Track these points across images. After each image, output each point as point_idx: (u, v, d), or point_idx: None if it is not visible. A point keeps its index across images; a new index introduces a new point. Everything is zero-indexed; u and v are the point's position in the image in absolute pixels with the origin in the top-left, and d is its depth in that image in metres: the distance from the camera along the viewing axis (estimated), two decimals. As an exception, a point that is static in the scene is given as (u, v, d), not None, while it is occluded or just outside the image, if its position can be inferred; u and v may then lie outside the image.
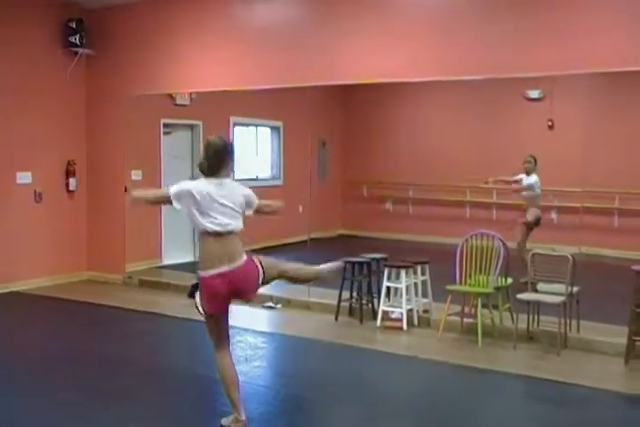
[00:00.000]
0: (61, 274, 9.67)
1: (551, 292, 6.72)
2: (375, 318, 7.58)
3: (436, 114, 13.32)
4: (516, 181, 9.40)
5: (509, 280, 7.36)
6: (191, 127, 11.00)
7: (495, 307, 7.14)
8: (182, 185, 4.65)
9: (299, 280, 5.19)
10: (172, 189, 4.64)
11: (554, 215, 10.81)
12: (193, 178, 4.95)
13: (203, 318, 4.75)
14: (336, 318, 7.78)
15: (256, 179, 12.27)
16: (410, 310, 7.49)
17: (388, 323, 7.50)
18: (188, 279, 9.13)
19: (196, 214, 4.54)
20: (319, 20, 8.14)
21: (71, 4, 9.47)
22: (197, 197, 4.53)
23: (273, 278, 4.87)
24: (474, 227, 7.82)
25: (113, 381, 5.75)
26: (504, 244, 7.17)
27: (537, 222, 9.25)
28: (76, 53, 9.55)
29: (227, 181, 4.66)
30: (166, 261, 10.76)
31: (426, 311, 7.72)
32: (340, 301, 7.75)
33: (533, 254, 6.93)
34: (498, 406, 5.52)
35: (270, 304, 8.41)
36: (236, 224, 4.60)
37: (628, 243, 10.57)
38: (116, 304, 8.50)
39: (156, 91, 9.53)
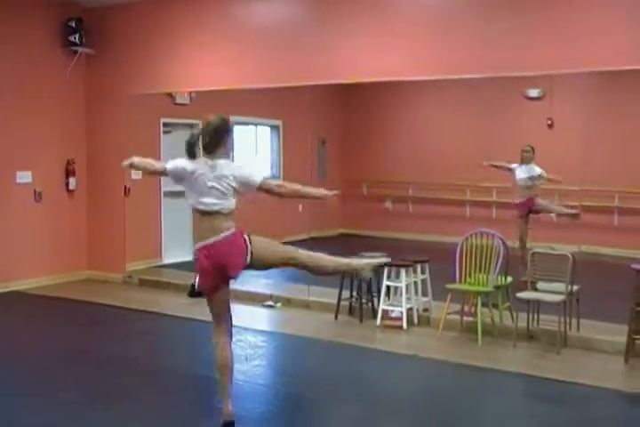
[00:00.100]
0: (61, 273, 9.67)
1: (551, 290, 6.71)
2: (375, 316, 7.58)
3: (435, 113, 13.30)
4: (510, 169, 9.44)
5: (509, 279, 7.36)
6: (191, 126, 10.95)
7: (495, 306, 7.14)
8: (178, 163, 4.71)
9: (314, 271, 4.78)
10: (169, 166, 4.73)
11: (553, 214, 10.79)
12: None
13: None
14: (336, 317, 7.79)
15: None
16: (410, 309, 7.49)
17: (388, 322, 7.49)
18: (189, 278, 9.14)
19: (187, 193, 4.69)
20: (318, 20, 8.14)
21: (71, 4, 9.46)
22: (190, 177, 4.62)
23: (273, 264, 4.70)
24: (474, 226, 7.81)
25: (113, 380, 5.75)
26: (504, 242, 7.17)
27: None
28: (76, 53, 9.54)
29: (220, 162, 4.64)
30: (166, 261, 10.76)
31: (426, 310, 7.72)
32: (339, 299, 7.75)
33: (533, 253, 6.93)
34: (498, 404, 5.53)
35: (270, 303, 8.41)
36: (223, 205, 4.59)
37: (628, 241, 10.55)
38: (116, 303, 8.49)
39: (156, 90, 9.53)
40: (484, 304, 7.02)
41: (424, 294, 7.76)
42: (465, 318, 7.16)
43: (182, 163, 4.70)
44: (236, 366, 5.98)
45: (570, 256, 6.65)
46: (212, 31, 8.77)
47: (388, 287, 7.58)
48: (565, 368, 6.15)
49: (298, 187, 4.79)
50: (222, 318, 4.75)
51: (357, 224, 13.78)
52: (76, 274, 9.88)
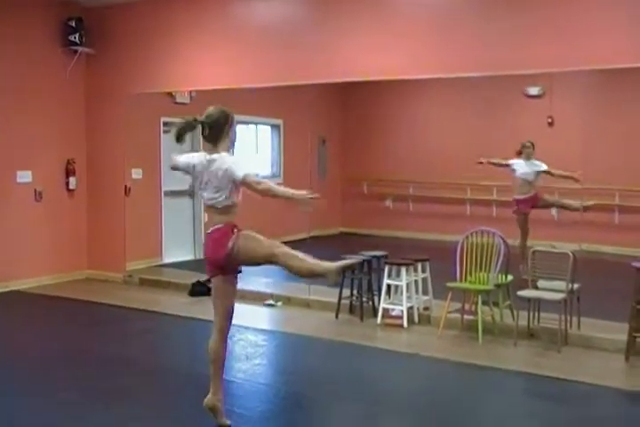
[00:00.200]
0: (62, 273, 9.67)
1: (551, 289, 6.72)
2: (375, 315, 7.58)
3: (435, 111, 13.31)
4: (508, 165, 9.46)
5: (510, 277, 7.36)
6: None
7: (495, 304, 7.14)
8: (184, 158, 4.81)
9: (292, 271, 4.58)
10: (178, 161, 4.83)
11: (554, 212, 10.80)
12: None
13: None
14: (336, 316, 7.79)
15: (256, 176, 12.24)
16: (410, 308, 7.49)
17: (389, 320, 7.49)
18: (189, 278, 9.18)
19: (195, 186, 4.89)
20: (318, 19, 8.13)
21: (71, 3, 9.46)
22: (193, 172, 4.72)
23: (257, 260, 4.60)
24: (474, 224, 7.82)
25: (113, 380, 5.74)
26: (504, 241, 7.17)
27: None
28: (76, 52, 9.53)
29: (214, 156, 4.63)
30: (167, 260, 10.77)
31: (426, 309, 7.72)
32: (340, 298, 7.75)
33: (534, 251, 6.93)
34: (498, 403, 5.53)
35: (270, 302, 8.42)
36: (217, 199, 4.59)
37: (629, 240, 10.56)
38: (117, 303, 8.49)
39: (156, 89, 9.53)
40: (484, 303, 7.02)
41: (425, 292, 7.76)
42: (465, 317, 7.15)
43: (187, 157, 4.77)
44: (237, 364, 6.03)
45: (570, 254, 6.64)
46: (212, 31, 8.77)
47: (389, 286, 7.58)
48: (566, 366, 6.15)
49: (276, 187, 4.58)
50: (217, 310, 4.73)
51: (358, 223, 13.78)
52: (77, 273, 9.88)
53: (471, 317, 7.10)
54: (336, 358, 6.54)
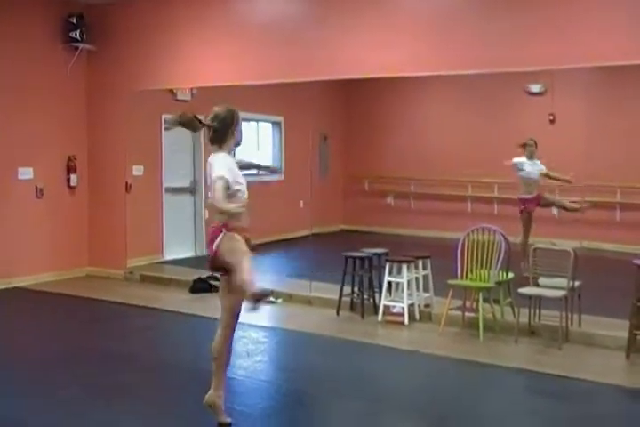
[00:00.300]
0: (63, 270, 9.67)
1: (552, 286, 6.71)
2: (376, 312, 7.58)
3: (437, 109, 13.30)
4: (515, 164, 9.43)
5: (511, 275, 7.35)
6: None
7: (496, 301, 7.14)
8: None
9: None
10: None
11: (555, 210, 10.79)
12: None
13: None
14: (337, 313, 7.79)
15: (257, 174, 12.23)
16: (411, 305, 7.49)
17: (390, 318, 7.49)
18: (190, 275, 9.18)
19: None
20: (320, 16, 8.13)
21: (71, 0, 9.45)
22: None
23: (227, 267, 4.53)
24: (475, 221, 7.82)
25: (114, 377, 5.74)
26: (505, 238, 7.16)
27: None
28: (77, 49, 9.54)
29: (213, 156, 4.63)
30: (168, 257, 10.77)
31: (427, 306, 7.72)
32: (341, 295, 7.75)
33: (535, 249, 6.93)
34: (499, 400, 5.53)
35: (272, 299, 8.40)
36: (211, 201, 4.52)
37: (630, 237, 10.55)
38: (118, 300, 8.50)
39: (158, 86, 9.52)
40: (485, 300, 7.02)
41: (425, 289, 7.76)
42: (466, 314, 7.16)
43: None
44: (238, 361, 6.03)
45: (571, 252, 6.64)
46: (214, 27, 8.76)
47: (390, 283, 7.58)
48: (567, 364, 6.15)
49: (222, 206, 4.35)
50: (222, 307, 4.74)
51: (359, 220, 13.79)
52: (78, 270, 9.89)
53: (472, 314, 7.10)
54: (337, 356, 6.54)
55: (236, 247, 4.44)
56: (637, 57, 6.42)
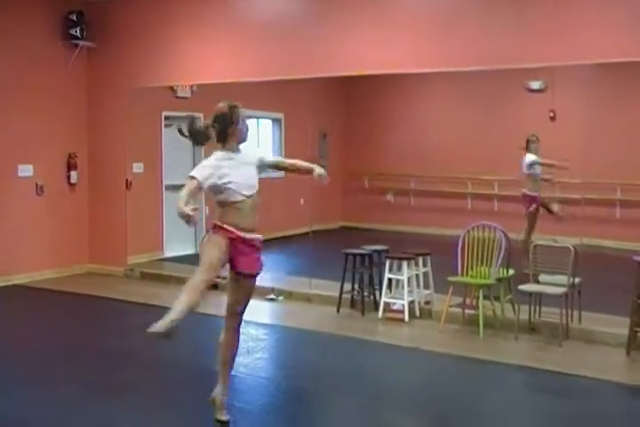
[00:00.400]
0: (63, 267, 9.67)
1: (553, 283, 6.72)
2: (377, 309, 7.58)
3: (437, 105, 13.28)
4: (532, 164, 9.38)
5: (511, 271, 7.36)
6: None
7: (497, 298, 7.14)
8: None
9: None
10: None
11: (556, 207, 10.78)
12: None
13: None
14: (338, 310, 7.79)
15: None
16: (411, 302, 7.49)
17: (390, 315, 7.50)
18: (190, 272, 9.12)
19: None
20: (320, 12, 8.12)
21: (71, -3, 9.47)
22: None
23: None
24: (475, 218, 7.82)
25: (114, 374, 5.75)
26: (505, 235, 7.16)
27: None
28: (77, 46, 9.53)
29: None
30: (168, 254, 10.77)
31: (427, 303, 7.72)
32: (341, 293, 7.75)
33: (535, 246, 6.93)
34: (500, 397, 5.53)
35: (272, 296, 8.41)
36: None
37: (630, 234, 10.54)
38: (118, 297, 8.50)
39: (158, 83, 9.51)
40: (485, 297, 7.02)
41: (426, 286, 7.76)
42: (467, 311, 7.15)
43: None
44: (239, 358, 6.01)
45: (572, 249, 6.64)
46: (214, 24, 8.75)
47: (390, 280, 7.58)
48: (567, 361, 6.16)
49: (181, 199, 4.30)
50: (228, 305, 4.81)
51: (359, 217, 13.77)
52: (78, 267, 9.89)
53: (472, 311, 7.10)
54: (337, 353, 6.54)
55: (203, 251, 4.58)
56: (637, 54, 6.42)
